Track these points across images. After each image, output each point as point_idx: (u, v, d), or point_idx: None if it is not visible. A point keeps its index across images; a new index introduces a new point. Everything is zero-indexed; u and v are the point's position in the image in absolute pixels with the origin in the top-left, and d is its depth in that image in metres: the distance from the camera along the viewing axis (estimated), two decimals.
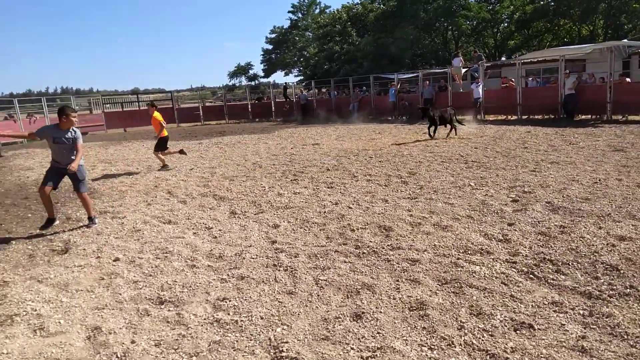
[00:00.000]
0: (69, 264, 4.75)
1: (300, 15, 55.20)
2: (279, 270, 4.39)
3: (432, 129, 13.30)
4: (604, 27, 33.25)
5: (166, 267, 4.59)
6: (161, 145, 10.75)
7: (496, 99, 18.63)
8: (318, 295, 3.83)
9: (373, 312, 3.47)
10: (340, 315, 3.46)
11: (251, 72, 61.77)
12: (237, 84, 58.07)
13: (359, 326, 3.30)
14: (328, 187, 7.83)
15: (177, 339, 3.24)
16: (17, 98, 22.64)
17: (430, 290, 3.77)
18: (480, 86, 18.32)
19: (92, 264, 4.72)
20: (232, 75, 62.04)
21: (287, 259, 4.63)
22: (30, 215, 6.86)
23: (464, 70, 21.32)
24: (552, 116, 16.60)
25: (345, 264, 4.47)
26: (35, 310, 3.66)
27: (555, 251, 4.36)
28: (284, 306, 3.67)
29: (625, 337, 2.92)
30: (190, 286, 4.11)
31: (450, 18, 34.94)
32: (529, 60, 21.69)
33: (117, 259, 4.84)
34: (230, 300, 3.80)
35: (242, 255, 4.82)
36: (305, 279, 4.16)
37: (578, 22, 34.10)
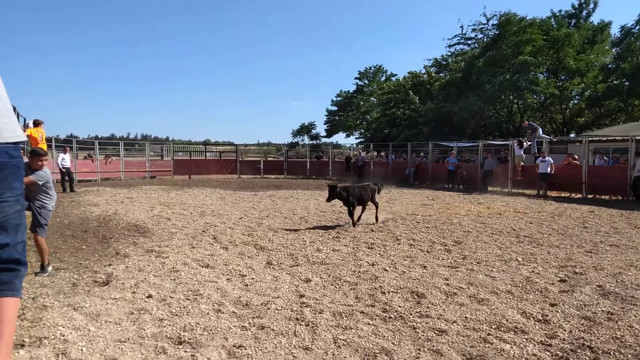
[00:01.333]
0: (106, 295, 4.99)
1: (366, 81, 57.27)
2: (300, 324, 4.35)
3: (349, 210, 9.95)
4: None
5: (193, 309, 4.69)
6: None
7: (561, 175, 17.91)
8: (333, 355, 3.74)
9: None
10: None
11: (314, 131, 63.87)
12: (300, 142, 60.05)
13: None
14: (368, 248, 7.75)
15: None
16: (98, 141, 24.81)
17: None
18: (548, 161, 17.68)
19: (126, 298, 4.92)
20: (296, 133, 64.41)
21: (310, 314, 4.58)
22: (84, 247, 7.33)
23: (527, 144, 20.84)
24: (620, 197, 15.64)
25: (368, 326, 4.36)
26: (64, 335, 3.85)
27: (598, 338, 4.00)
28: None
29: None
30: (211, 330, 4.16)
31: (516, 92, 34.72)
32: (598, 138, 20.88)
33: (150, 296, 5.02)
34: (245, 349, 3.80)
35: (267, 305, 4.84)
36: (325, 336, 4.08)
37: None
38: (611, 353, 3.71)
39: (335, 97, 58.71)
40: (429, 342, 3.97)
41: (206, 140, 51.42)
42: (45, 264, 5.82)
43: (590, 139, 19.75)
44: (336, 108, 58.63)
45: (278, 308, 4.77)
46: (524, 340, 4.02)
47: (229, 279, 5.84)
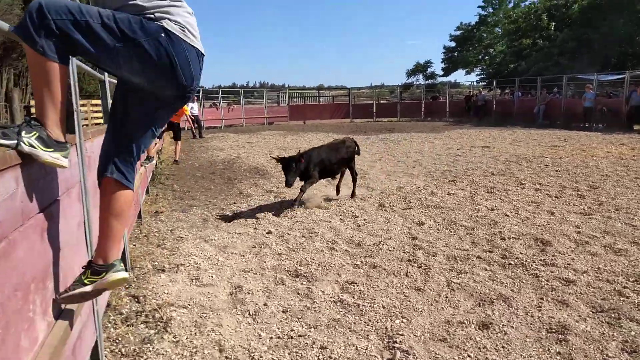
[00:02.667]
0: (231, 230, 5.46)
1: (491, 9, 52.03)
2: (412, 265, 4.33)
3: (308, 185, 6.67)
4: None
5: (308, 246, 4.92)
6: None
7: None
8: (446, 297, 3.68)
9: (503, 325, 3.19)
10: (465, 321, 3.27)
11: (429, 70, 60.65)
12: (414, 82, 57.71)
13: (483, 336, 3.07)
14: (487, 192, 7.33)
15: (302, 310, 3.47)
16: (222, 90, 26.49)
17: (579, 316, 3.29)
18: None
19: (248, 233, 5.33)
20: (410, 73, 61.74)
21: (423, 257, 4.53)
22: (212, 187, 8.04)
23: None
24: None
25: (485, 271, 4.18)
26: (197, 264, 4.32)
27: None
28: (409, 301, 3.62)
29: None
30: (325, 266, 4.34)
31: None
32: None
33: (269, 232, 5.37)
34: (357, 285, 3.90)
35: (379, 245, 4.88)
36: (438, 279, 4.02)
37: None
38: None
39: (455, 30, 54.55)
40: (553, 292, 3.70)
41: (319, 86, 52.04)
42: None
43: None
44: (454, 44, 54.57)
45: (390, 249, 4.79)
46: None
47: (341, 219, 5.99)
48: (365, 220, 5.90)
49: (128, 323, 3.24)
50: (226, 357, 2.85)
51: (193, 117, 18.09)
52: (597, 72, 22.44)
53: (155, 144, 8.54)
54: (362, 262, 4.44)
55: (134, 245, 4.81)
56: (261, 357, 2.86)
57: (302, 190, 6.53)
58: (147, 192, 7.10)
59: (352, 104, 29.46)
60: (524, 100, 24.11)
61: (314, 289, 3.82)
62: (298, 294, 3.77)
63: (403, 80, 60.50)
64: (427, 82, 55.56)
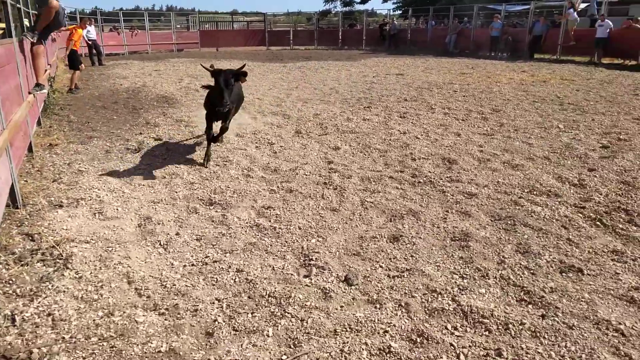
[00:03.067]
0: (138, 162, 5.11)
1: None
2: (328, 188, 4.37)
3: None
4: None
5: (223, 174, 4.76)
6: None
7: (619, 40, 16.24)
8: (360, 215, 3.77)
9: (412, 236, 3.36)
10: (377, 236, 3.39)
11: None
12: (332, 10, 56.36)
13: (394, 247, 3.22)
14: (400, 117, 7.51)
15: (217, 237, 3.39)
16: (123, 12, 23.90)
17: (480, 224, 3.55)
18: (606, 24, 15.92)
19: (157, 164, 5.02)
20: (328, 0, 60.13)
21: (338, 179, 4.58)
22: (115, 117, 7.40)
23: (583, 5, 18.72)
24: None
25: (396, 190, 4.33)
26: (99, 197, 4.00)
27: (635, 202, 3.85)
28: (324, 221, 3.67)
29: None
30: (240, 192, 4.23)
31: None
32: None
33: (180, 162, 5.10)
34: (274, 209, 3.87)
35: (296, 170, 4.85)
36: (352, 199, 4.10)
37: None
38: None
39: None
40: (457, 205, 3.93)
41: (233, 11, 49.01)
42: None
43: None
44: None
45: (306, 173, 4.78)
46: (557, 203, 3.92)
47: (257, 146, 5.84)
48: (281, 147, 5.80)
49: (22, 262, 2.95)
50: (136, 289, 2.72)
51: (90, 42, 16.32)
52: (506, 2, 23.24)
53: (46, 70, 7.55)
54: (278, 187, 4.40)
55: (25, 180, 4.33)
56: (174, 285, 2.77)
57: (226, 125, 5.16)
58: (39, 123, 6.37)
59: (268, 30, 28.19)
60: (437, 29, 24.55)
61: (229, 216, 3.73)
62: (212, 221, 3.66)
63: (321, 8, 58.74)
64: (344, 9, 54.45)
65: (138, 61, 17.28)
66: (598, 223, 3.48)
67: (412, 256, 3.08)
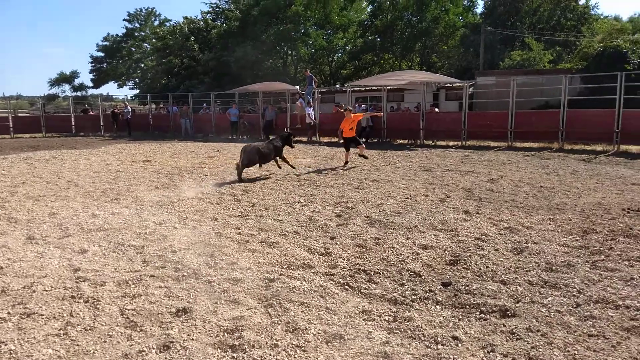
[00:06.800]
0: None
1: (137, 24, 51.96)
2: (77, 302, 3.78)
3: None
4: (419, 64, 38.31)
5: None
6: None
7: (330, 122, 19.83)
8: (123, 328, 3.36)
9: (184, 340, 3.16)
10: (145, 349, 3.07)
11: (77, 81, 55.64)
12: (60, 94, 51.75)
13: (165, 358, 2.96)
14: (153, 207, 7.22)
15: None
16: None
17: (250, 310, 3.61)
18: (312, 109, 19.26)
19: None
20: (54, 83, 55.00)
21: (89, 289, 4.02)
22: None
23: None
24: (376, 140, 18.31)
25: (160, 289, 4.06)
26: None
27: (370, 262, 4.61)
28: (77, 344, 3.13)
29: (423, 338, 3.14)
30: None
31: (290, 42, 36.50)
32: (358, 88, 23.74)
33: None
34: (6, 344, 3.10)
35: (32, 287, 4.04)
36: (109, 310, 3.64)
37: (399, 58, 38.76)
38: (381, 273, 4.31)
39: (102, 41, 51.81)
40: (225, 294, 3.93)
41: None
42: None
43: (352, 89, 22.34)
44: (103, 54, 51.95)
45: (47, 289, 4.04)
46: (312, 274, 4.35)
47: None
48: (9, 260, 4.77)
49: None
50: None
51: None
52: (237, 90, 25.69)
53: None
54: (10, 313, 3.56)
55: None
56: None
57: None
58: None
59: None
60: (178, 114, 25.17)
61: None
62: None
63: (46, 91, 53.12)
64: (75, 93, 50.64)
65: None
66: (347, 287, 4.00)
67: None
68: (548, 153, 11.36)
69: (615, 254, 4.61)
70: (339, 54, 41.04)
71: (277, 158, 10.62)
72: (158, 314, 3.57)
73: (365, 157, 11.72)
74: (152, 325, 3.40)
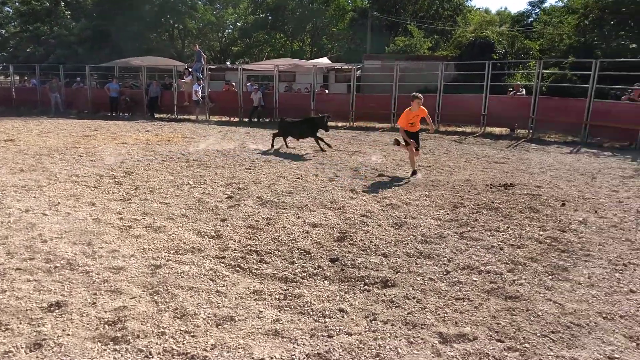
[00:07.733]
0: None
1: None
2: None
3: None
4: (310, 45, 38.76)
5: None
6: None
7: (221, 100, 19.26)
8: None
9: (58, 336, 2.91)
10: (13, 349, 2.77)
11: None
12: None
13: (37, 357, 2.70)
14: (18, 191, 6.45)
15: None
16: None
17: (134, 299, 3.43)
18: (201, 86, 18.46)
19: None
20: None
21: None
22: None
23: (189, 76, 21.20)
24: (268, 119, 18.24)
25: (28, 283, 3.68)
26: None
27: (261, 242, 4.64)
28: None
29: (311, 313, 3.27)
30: None
31: (177, 15, 34.47)
32: (250, 68, 23.41)
33: None
34: None
35: None
36: None
37: (290, 38, 38.78)
38: (272, 252, 4.36)
39: None
40: (105, 284, 3.69)
41: None
42: None
43: (244, 67, 21.90)
44: None
45: None
46: (201, 258, 4.26)
47: None
48: None
49: None
50: None
51: None
52: (117, 62, 23.67)
53: None
54: None
55: None
56: None
57: None
58: None
59: None
60: (46, 88, 22.53)
61: None
62: None
63: None
64: None
65: None
66: (238, 269, 3.99)
67: None
68: (426, 134, 12.34)
69: (479, 225, 5.20)
70: (229, 30, 39.90)
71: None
72: (27, 310, 3.24)
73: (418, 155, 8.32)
74: (20, 323, 3.08)
